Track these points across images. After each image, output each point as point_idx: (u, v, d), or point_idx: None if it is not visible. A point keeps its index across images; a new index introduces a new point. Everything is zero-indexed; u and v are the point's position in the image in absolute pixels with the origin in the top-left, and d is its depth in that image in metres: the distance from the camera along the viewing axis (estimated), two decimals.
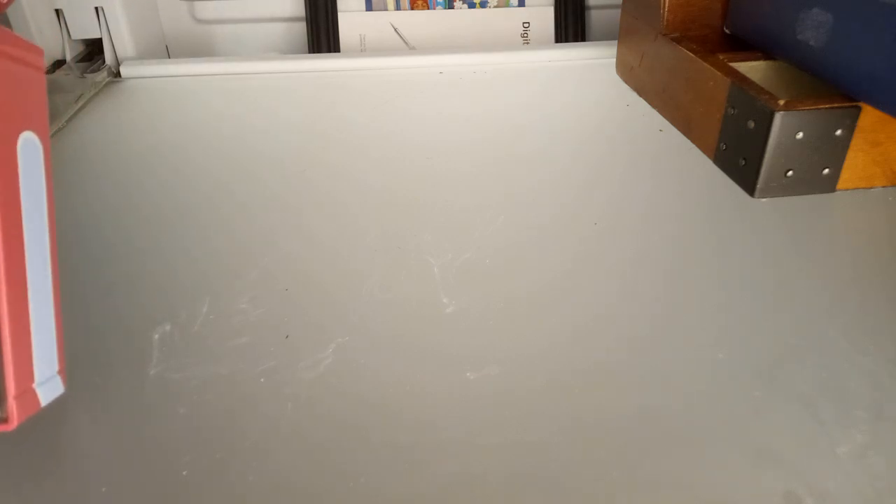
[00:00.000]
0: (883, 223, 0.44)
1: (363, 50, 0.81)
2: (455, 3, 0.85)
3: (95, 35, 0.72)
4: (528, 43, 0.87)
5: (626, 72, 0.65)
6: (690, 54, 0.52)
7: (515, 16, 0.86)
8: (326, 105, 0.63)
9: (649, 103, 0.60)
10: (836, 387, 0.32)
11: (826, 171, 0.45)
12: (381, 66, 0.71)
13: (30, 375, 0.21)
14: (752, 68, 0.52)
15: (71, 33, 0.72)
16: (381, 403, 0.31)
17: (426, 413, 0.31)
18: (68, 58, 0.72)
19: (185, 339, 0.35)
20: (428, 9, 0.85)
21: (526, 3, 0.86)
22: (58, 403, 0.31)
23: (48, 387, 0.21)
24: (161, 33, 0.81)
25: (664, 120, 0.57)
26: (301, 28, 0.83)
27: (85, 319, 0.37)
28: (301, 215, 0.46)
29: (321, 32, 0.80)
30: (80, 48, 0.74)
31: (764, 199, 0.46)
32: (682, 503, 0.27)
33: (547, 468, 0.28)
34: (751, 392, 0.32)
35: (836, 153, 0.45)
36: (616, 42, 0.67)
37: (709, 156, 0.51)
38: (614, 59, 0.68)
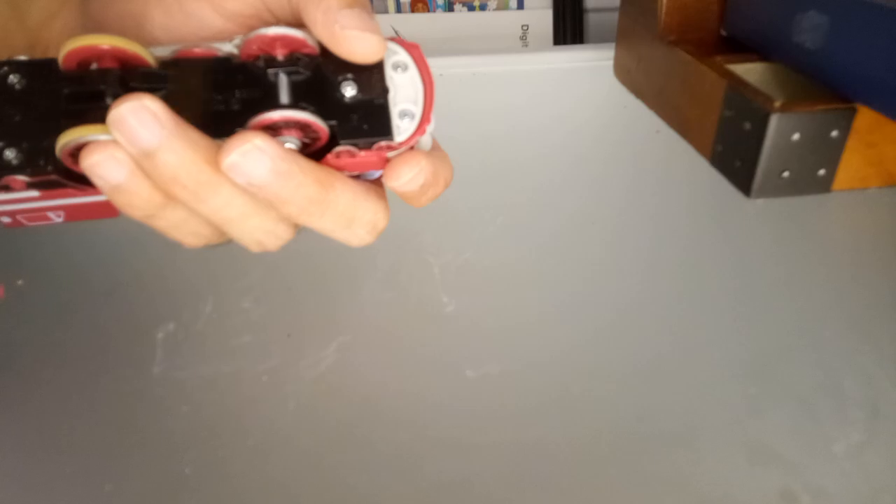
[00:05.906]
0: (878, 223, 0.44)
1: None
2: (455, 6, 0.86)
3: None
4: (526, 45, 0.87)
5: (624, 74, 0.65)
6: (687, 56, 0.52)
7: (514, 18, 0.86)
8: None
9: (647, 105, 0.61)
10: (831, 386, 0.32)
11: (821, 171, 0.46)
12: None
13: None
14: (749, 70, 0.53)
15: None
16: (382, 401, 0.32)
17: (426, 411, 0.31)
18: None
19: (188, 338, 0.35)
20: (428, 11, 0.85)
21: (525, 6, 0.86)
22: (62, 401, 0.32)
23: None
24: None
25: (661, 121, 0.58)
26: None
27: (90, 318, 0.37)
28: None
29: None
30: None
31: (760, 200, 0.46)
32: (680, 501, 0.27)
33: (546, 466, 0.29)
34: (747, 390, 0.32)
35: (831, 154, 0.45)
36: (614, 45, 0.67)
37: (705, 157, 0.51)
38: (612, 62, 0.68)
